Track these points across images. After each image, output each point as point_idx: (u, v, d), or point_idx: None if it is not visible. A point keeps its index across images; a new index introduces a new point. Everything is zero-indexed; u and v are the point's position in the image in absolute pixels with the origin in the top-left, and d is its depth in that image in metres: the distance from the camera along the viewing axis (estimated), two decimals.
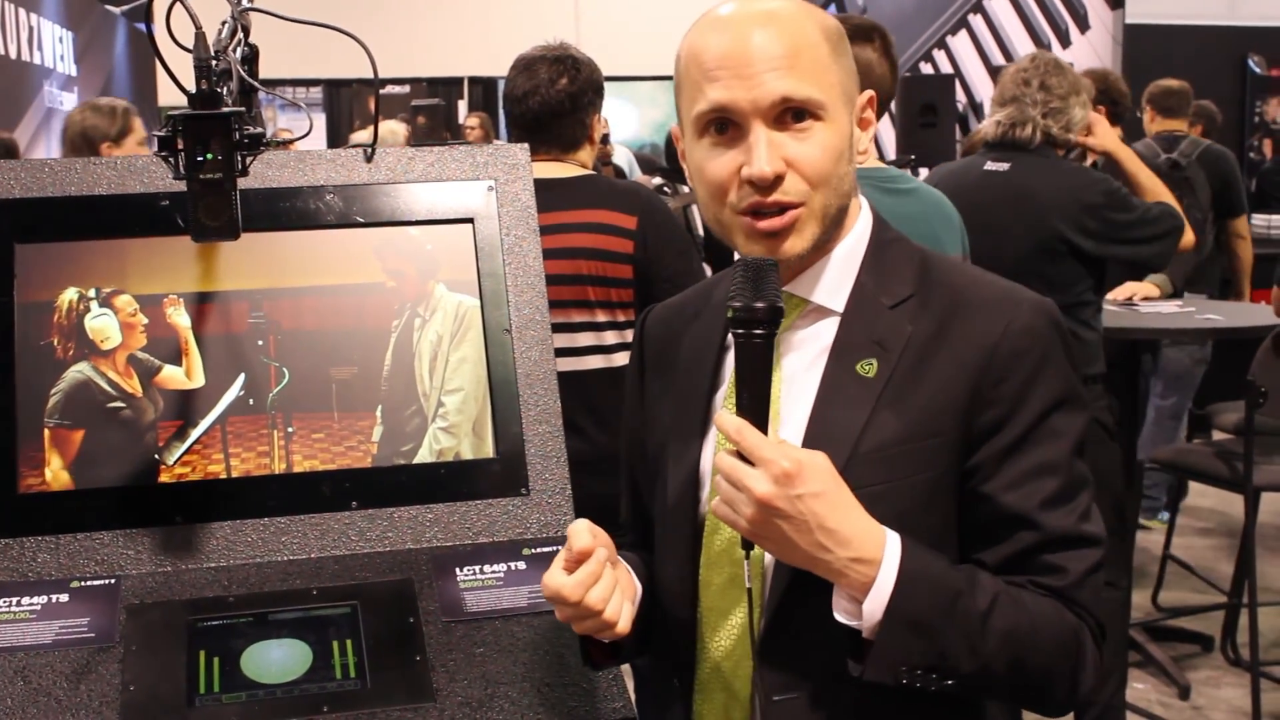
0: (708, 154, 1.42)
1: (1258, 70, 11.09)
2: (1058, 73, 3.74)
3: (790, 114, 1.38)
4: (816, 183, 1.39)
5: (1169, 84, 6.72)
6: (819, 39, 1.41)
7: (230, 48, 1.78)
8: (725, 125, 1.40)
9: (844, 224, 1.47)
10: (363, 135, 9.43)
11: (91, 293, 1.89)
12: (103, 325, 1.87)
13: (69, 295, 1.88)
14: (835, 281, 1.46)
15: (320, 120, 13.55)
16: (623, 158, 9.27)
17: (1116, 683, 3.94)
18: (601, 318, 3.08)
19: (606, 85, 3.33)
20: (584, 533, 1.41)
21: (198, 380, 1.88)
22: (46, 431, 1.82)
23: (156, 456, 1.84)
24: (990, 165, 3.76)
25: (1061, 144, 3.75)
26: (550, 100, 3.16)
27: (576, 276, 3.03)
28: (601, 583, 1.40)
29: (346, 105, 14.48)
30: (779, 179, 1.38)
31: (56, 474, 1.81)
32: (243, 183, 1.67)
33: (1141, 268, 3.82)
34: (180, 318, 1.89)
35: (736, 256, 1.48)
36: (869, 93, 1.49)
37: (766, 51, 1.37)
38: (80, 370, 1.85)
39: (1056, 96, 3.71)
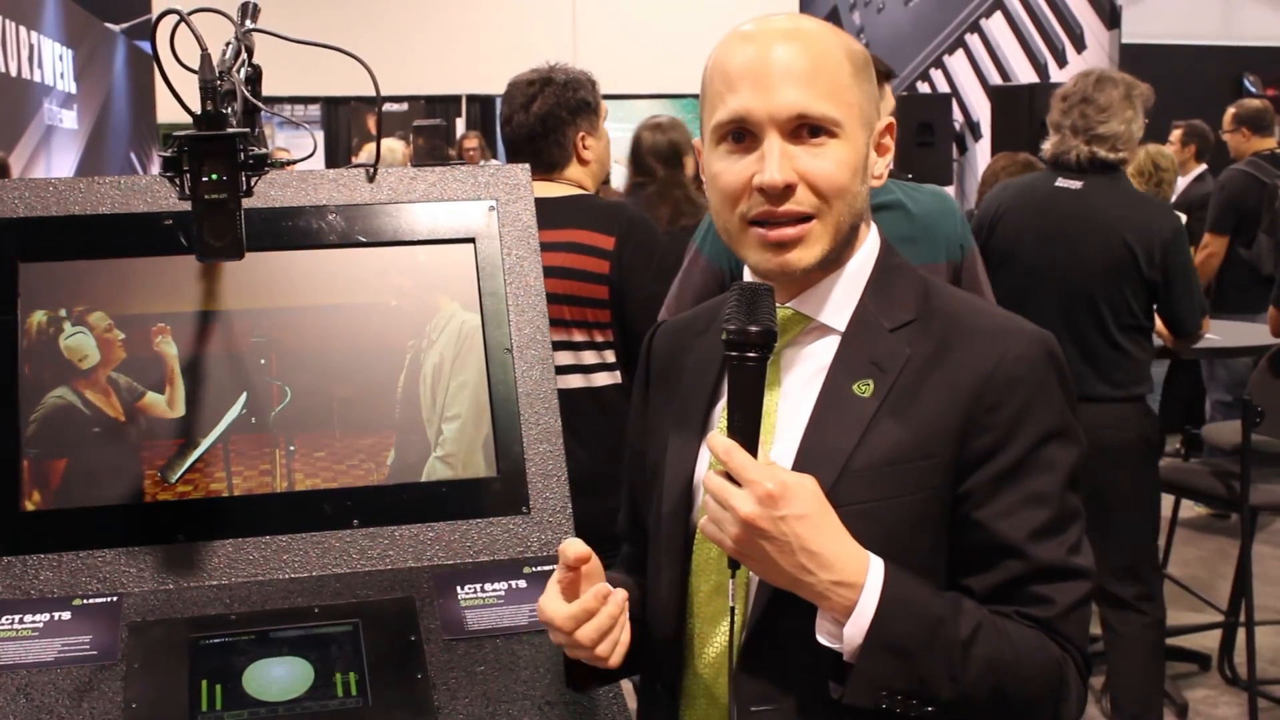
0: (723, 161, 1.44)
1: (1253, 89, 11.14)
2: (1101, 90, 3.73)
3: (806, 129, 1.40)
4: (829, 196, 1.41)
5: (1255, 103, 6.91)
6: (842, 59, 1.43)
7: (234, 68, 1.79)
8: (742, 135, 1.42)
9: (853, 244, 1.49)
10: (365, 155, 9.47)
11: (62, 313, 1.88)
12: (78, 344, 1.87)
13: (37, 317, 1.87)
14: (839, 301, 1.48)
15: (319, 138, 13.60)
16: (621, 176, 9.29)
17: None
18: (578, 337, 3.08)
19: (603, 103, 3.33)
20: (576, 544, 1.44)
21: (179, 410, 1.87)
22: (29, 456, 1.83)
23: (159, 474, 1.84)
24: (1062, 182, 3.79)
25: (1116, 164, 3.75)
26: (524, 124, 3.20)
27: (551, 296, 3.03)
28: (595, 620, 1.43)
29: (345, 123, 14.51)
30: (789, 189, 1.40)
31: (56, 494, 1.82)
32: (246, 202, 1.68)
33: (1164, 317, 3.87)
34: (168, 346, 1.89)
35: (745, 275, 1.50)
36: (889, 120, 1.51)
37: (787, 65, 1.40)
38: (62, 394, 1.85)
39: (1097, 121, 3.72)
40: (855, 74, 1.45)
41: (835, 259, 1.46)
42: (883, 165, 1.50)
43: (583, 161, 3.24)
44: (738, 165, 1.42)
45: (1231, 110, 7.02)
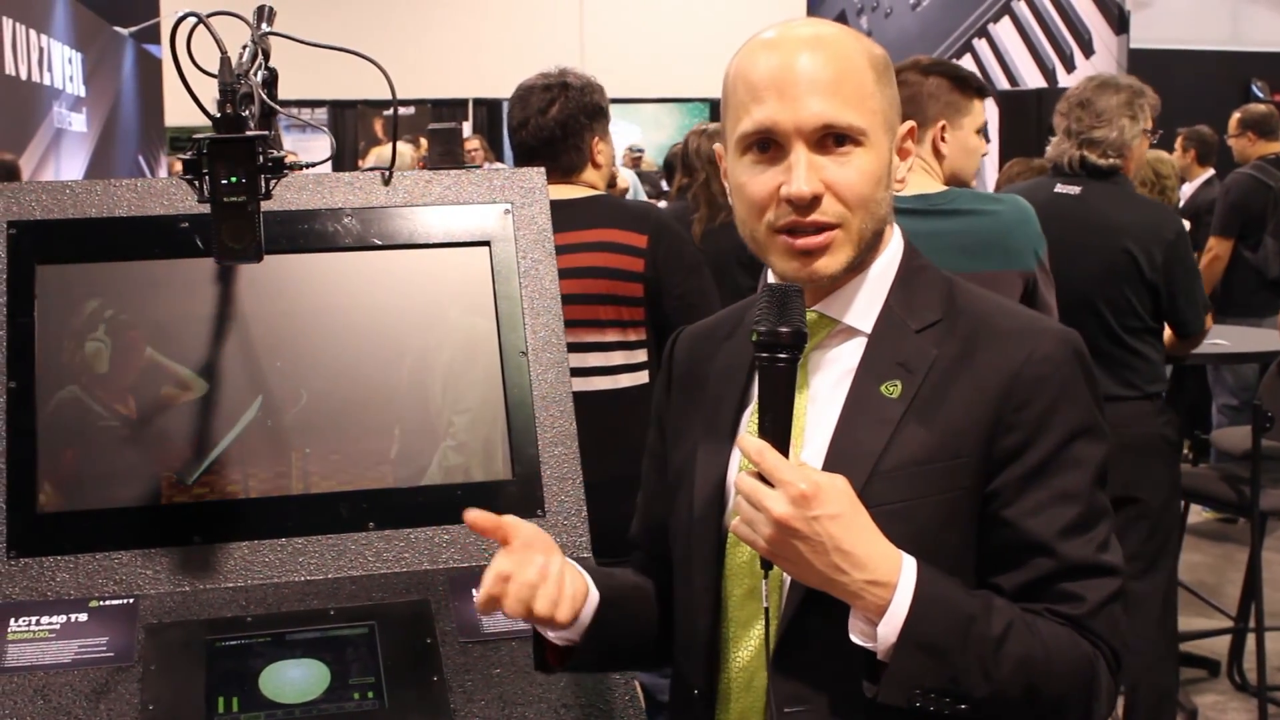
0: (749, 172, 1.44)
1: (1261, 95, 11.14)
2: (1099, 95, 3.75)
3: (831, 138, 1.41)
4: (853, 206, 1.42)
5: (1261, 107, 6.96)
6: (864, 65, 1.44)
7: (251, 71, 1.79)
8: (767, 144, 1.42)
9: (877, 248, 1.49)
10: (372, 159, 9.51)
11: (104, 309, 1.89)
12: (96, 350, 1.88)
13: (91, 306, 1.89)
14: (865, 303, 1.48)
15: (326, 141, 13.60)
16: (629, 180, 9.31)
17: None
18: (611, 337, 3.09)
19: (611, 107, 3.35)
20: (471, 512, 1.46)
21: (193, 412, 1.87)
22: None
23: (175, 477, 1.85)
24: (1061, 188, 3.79)
25: (1107, 170, 3.77)
26: (542, 129, 3.21)
27: (588, 296, 3.04)
28: (514, 586, 1.41)
29: (351, 126, 14.53)
30: (816, 200, 1.40)
31: (72, 495, 1.82)
32: (263, 205, 1.68)
33: (1168, 320, 3.86)
34: (162, 352, 1.89)
35: (769, 278, 1.50)
36: (910, 123, 1.51)
37: (812, 75, 1.40)
38: (74, 394, 1.86)
39: (1090, 126, 3.73)
40: (878, 79, 1.45)
41: (860, 263, 1.47)
42: (904, 169, 1.51)
43: (596, 165, 3.26)
44: (764, 175, 1.42)
45: (1236, 115, 7.03)
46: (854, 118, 1.40)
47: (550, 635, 1.51)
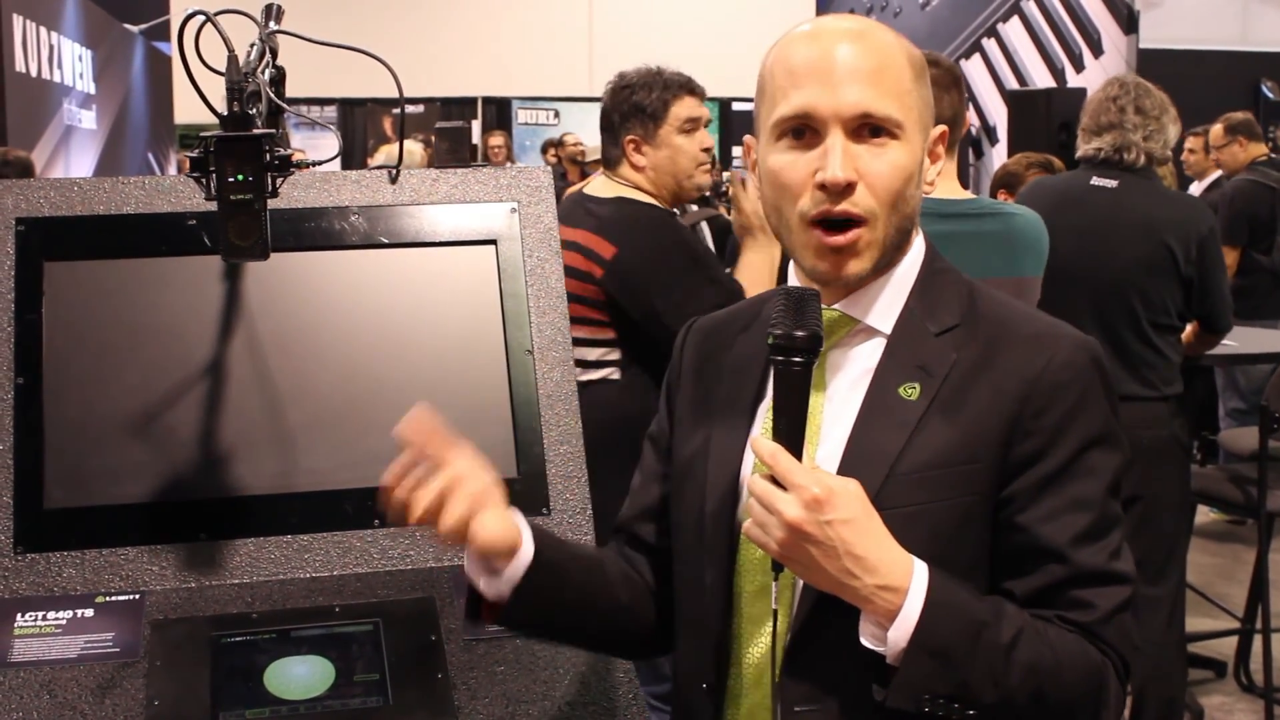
0: (783, 158, 1.44)
1: (1270, 95, 11.12)
2: (1148, 95, 3.81)
3: (868, 128, 1.41)
4: (884, 199, 1.41)
5: (1238, 115, 7.08)
6: (904, 62, 1.44)
7: (259, 69, 1.80)
8: (803, 131, 1.42)
9: (903, 249, 1.49)
10: (381, 157, 9.54)
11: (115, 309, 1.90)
12: (102, 346, 1.88)
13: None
14: (886, 304, 1.48)
15: (334, 139, 13.61)
16: None
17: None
18: (581, 334, 3.09)
19: None
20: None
21: (205, 385, 1.89)
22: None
23: (181, 473, 1.85)
24: (1097, 180, 3.82)
25: (1161, 161, 3.83)
26: (600, 121, 3.35)
27: None
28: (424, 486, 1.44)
29: (360, 124, 14.56)
30: (850, 187, 1.40)
31: (79, 491, 1.83)
32: (269, 203, 1.69)
33: (1199, 315, 3.87)
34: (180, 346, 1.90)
35: (790, 278, 1.50)
36: (942, 127, 1.52)
37: (853, 64, 1.40)
38: (88, 391, 1.86)
39: (1152, 118, 3.78)
40: (915, 78, 1.45)
41: (886, 264, 1.47)
42: (934, 172, 1.50)
43: (635, 166, 3.25)
44: (799, 162, 1.42)
45: (1219, 126, 7.01)
46: (892, 109, 1.41)
47: (481, 585, 1.50)
